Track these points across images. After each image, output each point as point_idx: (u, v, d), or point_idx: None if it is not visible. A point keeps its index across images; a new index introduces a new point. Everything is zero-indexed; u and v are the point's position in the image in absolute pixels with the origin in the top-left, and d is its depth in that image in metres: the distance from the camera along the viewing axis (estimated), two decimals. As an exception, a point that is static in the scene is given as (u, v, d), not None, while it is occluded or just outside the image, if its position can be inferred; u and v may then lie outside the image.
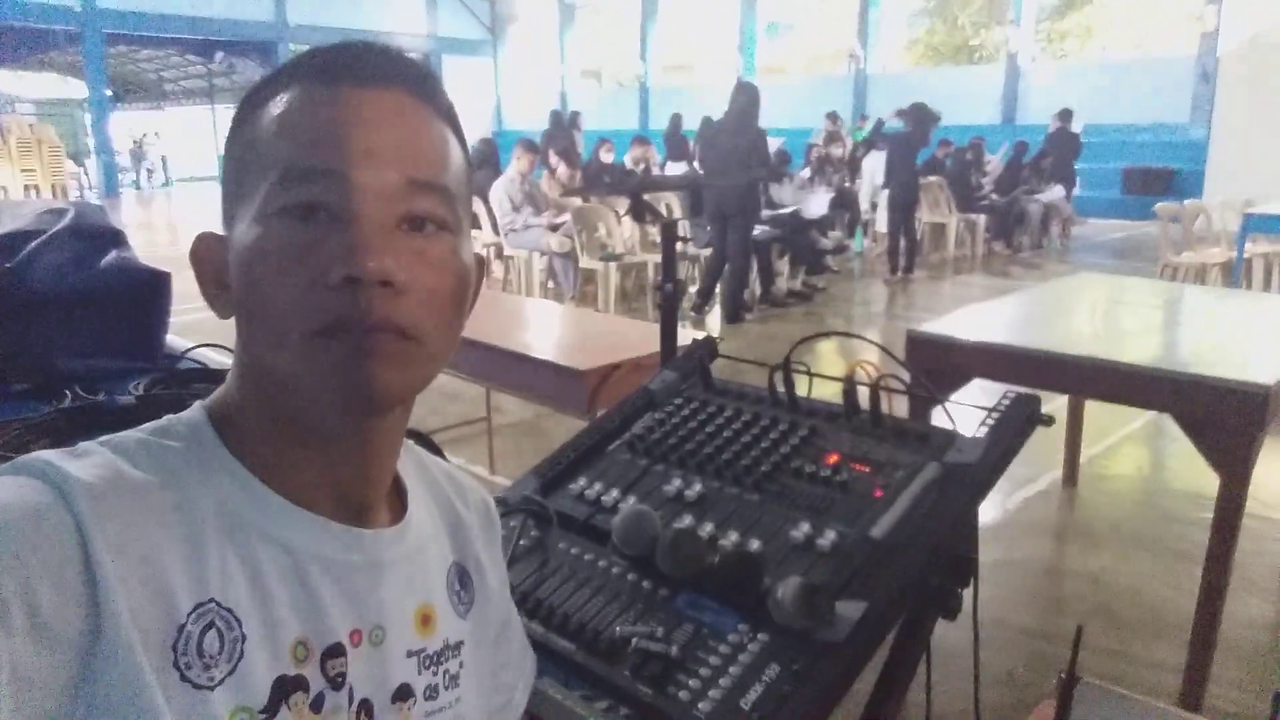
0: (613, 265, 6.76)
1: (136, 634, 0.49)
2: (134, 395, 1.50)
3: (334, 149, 0.54)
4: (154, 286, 1.78)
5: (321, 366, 0.54)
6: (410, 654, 0.65)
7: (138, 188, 23.31)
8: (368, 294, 0.53)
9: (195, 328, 2.19)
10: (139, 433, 0.58)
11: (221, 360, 1.67)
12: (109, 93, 19.07)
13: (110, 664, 0.48)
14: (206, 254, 0.60)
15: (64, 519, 0.49)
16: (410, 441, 0.75)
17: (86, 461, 0.53)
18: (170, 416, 0.60)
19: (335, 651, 0.59)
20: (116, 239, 1.81)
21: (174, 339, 1.84)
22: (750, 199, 6.64)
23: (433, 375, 0.60)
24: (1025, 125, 15.31)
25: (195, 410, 0.61)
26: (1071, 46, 23.95)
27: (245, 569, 0.55)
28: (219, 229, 0.61)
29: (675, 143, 10.54)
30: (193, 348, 1.72)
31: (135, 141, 24.12)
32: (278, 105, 0.57)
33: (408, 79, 0.58)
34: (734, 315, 6.74)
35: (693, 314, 6.87)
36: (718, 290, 6.88)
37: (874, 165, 9.54)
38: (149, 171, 24.22)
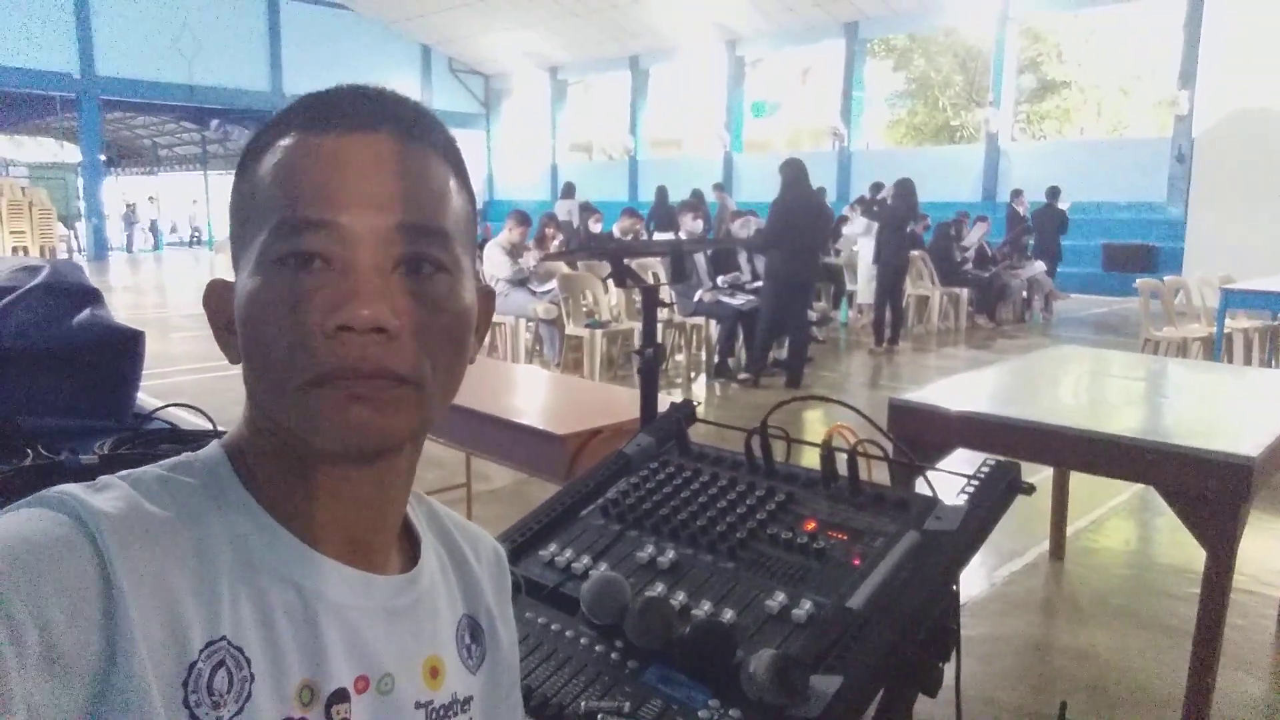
0: (599, 332, 6.77)
1: (150, 668, 0.48)
2: (97, 455, 1.46)
3: (326, 198, 0.55)
4: (126, 345, 1.75)
5: (319, 415, 0.54)
6: (419, 705, 0.63)
7: (128, 250, 23.39)
8: (362, 342, 0.53)
9: (176, 391, 2.16)
10: (158, 468, 0.58)
11: (193, 420, 1.63)
12: (103, 158, 19.26)
13: (123, 697, 0.48)
14: (217, 301, 0.61)
15: (86, 551, 0.49)
16: (422, 491, 0.74)
17: (108, 495, 0.53)
18: (188, 454, 0.60)
19: (340, 697, 0.57)
20: (92, 297, 1.79)
21: (145, 398, 1.80)
22: (803, 268, 6.93)
23: (436, 417, 0.60)
24: (1005, 203, 15.61)
25: (213, 447, 0.61)
26: (1050, 128, 24.66)
27: (256, 609, 0.55)
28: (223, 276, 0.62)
29: (662, 214, 10.70)
30: (161, 407, 1.68)
31: (127, 205, 24.28)
32: (273, 155, 0.57)
33: (401, 120, 0.58)
34: (795, 379, 6.92)
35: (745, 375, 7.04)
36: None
37: (861, 238, 9.63)
38: (142, 231, 24.35)
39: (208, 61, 19.18)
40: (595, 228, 9.25)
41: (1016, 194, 11.78)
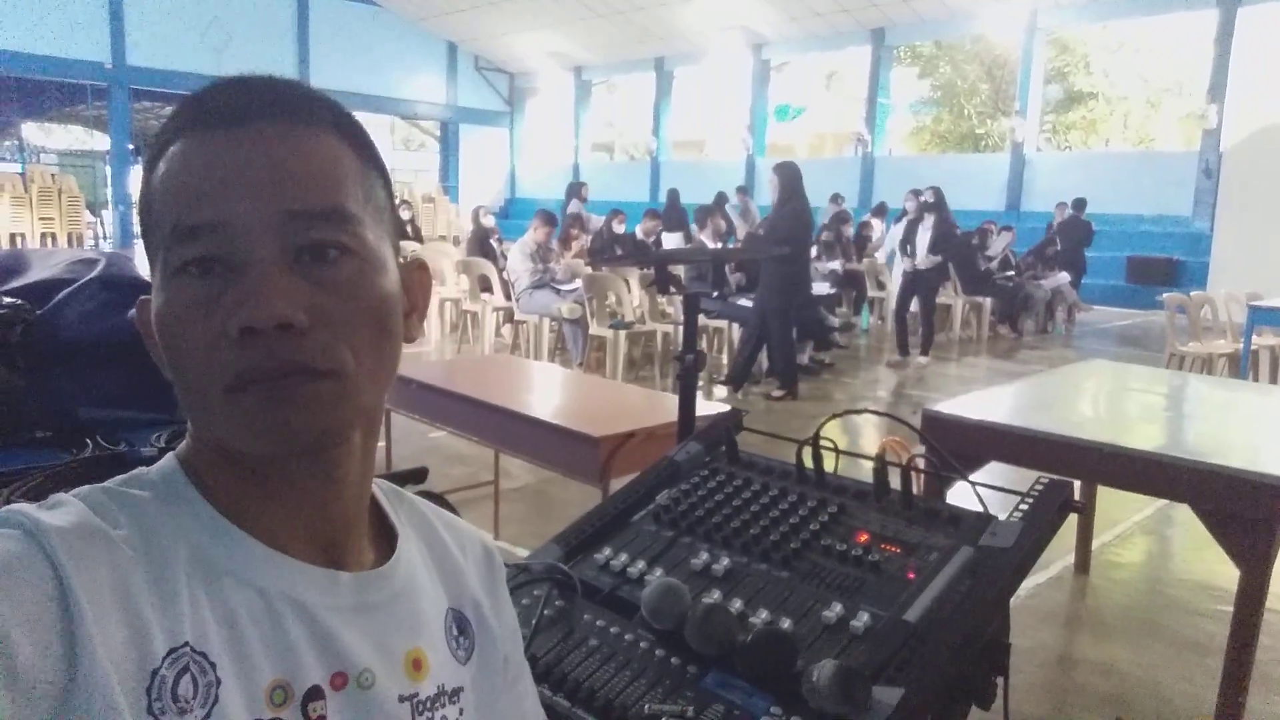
0: (622, 333, 6.79)
1: (114, 678, 0.48)
2: (156, 447, 1.50)
3: (211, 198, 0.54)
4: (179, 338, 1.78)
5: (242, 421, 0.54)
6: (403, 699, 0.63)
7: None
8: (269, 341, 0.53)
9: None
10: (110, 483, 0.58)
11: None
12: (131, 147, 19.42)
13: (86, 709, 0.47)
14: (144, 318, 0.60)
15: (41, 566, 0.48)
16: (403, 490, 0.75)
17: (60, 511, 0.53)
18: (141, 468, 0.60)
19: (315, 694, 0.57)
20: (146, 289, 1.82)
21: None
22: (800, 278, 6.76)
23: (368, 403, 0.59)
24: (1030, 212, 15.54)
25: (168, 459, 0.61)
26: (1075, 139, 24.51)
27: (218, 613, 0.55)
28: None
29: (673, 215, 10.71)
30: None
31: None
32: (164, 162, 0.57)
33: (282, 106, 0.57)
34: (740, 385, 6.77)
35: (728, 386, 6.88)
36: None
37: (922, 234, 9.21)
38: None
39: (236, 54, 19.29)
40: (619, 228, 9.29)
41: (1062, 206, 11.70)
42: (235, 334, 0.53)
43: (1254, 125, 12.28)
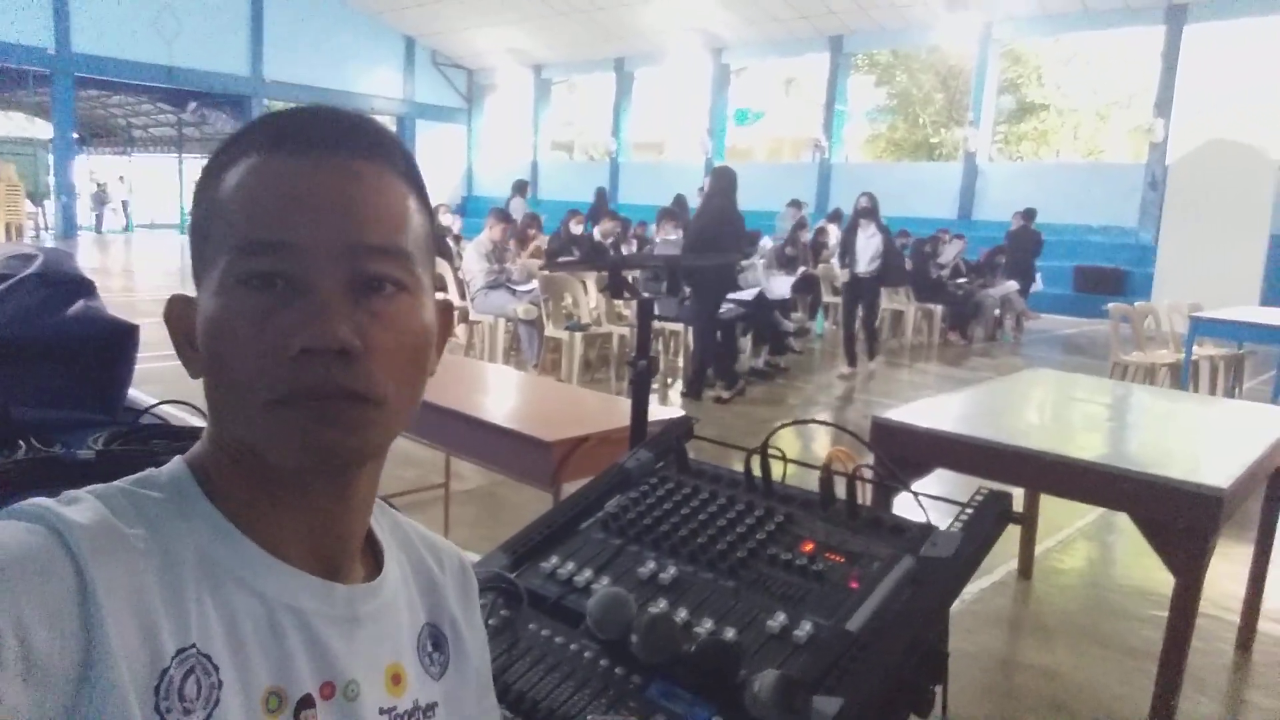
0: (578, 335, 6.78)
1: (126, 675, 0.50)
2: (93, 450, 1.46)
3: (287, 220, 0.56)
4: (121, 339, 1.74)
5: (282, 434, 0.56)
6: (383, 711, 0.64)
7: (98, 231, 23.02)
8: (325, 363, 0.55)
9: (156, 376, 2.14)
10: (123, 483, 0.59)
11: (185, 418, 1.63)
12: (75, 135, 18.94)
13: (98, 703, 0.49)
14: (177, 317, 0.62)
15: (63, 562, 0.50)
16: (385, 503, 0.75)
17: (78, 508, 0.54)
18: (151, 469, 0.61)
19: (307, 703, 0.59)
20: (85, 288, 1.77)
21: (136, 394, 1.79)
22: (726, 280, 6.76)
23: (396, 432, 0.62)
24: (981, 221, 15.84)
25: (176, 463, 0.62)
26: (1027, 149, 25.03)
27: (222, 616, 0.56)
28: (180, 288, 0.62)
29: (598, 214, 10.73)
30: (156, 404, 1.67)
31: (99, 185, 23.89)
32: (235, 174, 0.58)
33: (361, 143, 0.60)
34: (697, 391, 6.77)
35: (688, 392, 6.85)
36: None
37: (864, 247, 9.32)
38: (113, 212, 23.94)
39: (188, 44, 18.92)
40: (576, 229, 9.25)
41: (1030, 212, 11.81)
42: (294, 352, 0.55)
43: (1198, 139, 12.66)
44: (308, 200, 0.57)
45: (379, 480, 0.67)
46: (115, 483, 0.58)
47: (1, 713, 0.45)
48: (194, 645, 0.54)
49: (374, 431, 0.58)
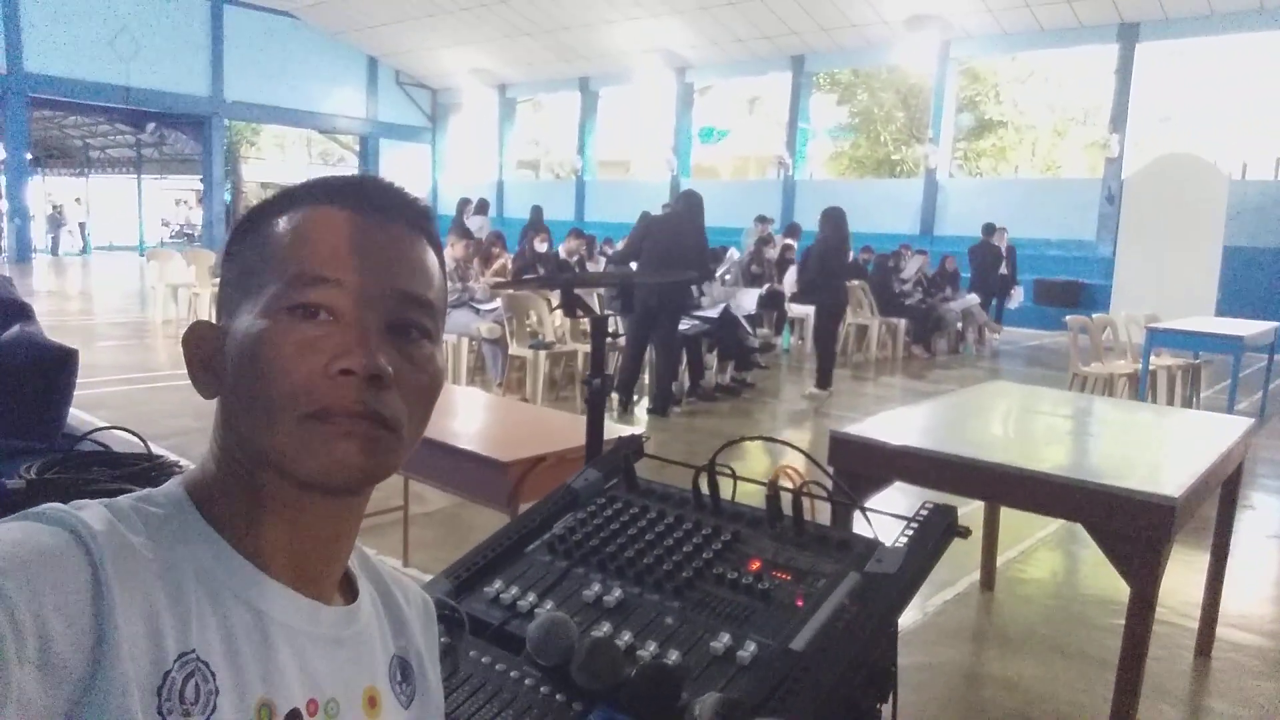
0: (542, 354, 6.74)
1: (132, 675, 0.52)
2: (24, 478, 1.41)
3: (342, 262, 0.63)
4: (59, 364, 1.69)
5: (311, 446, 0.60)
6: None
7: (54, 254, 22.62)
8: (359, 385, 0.61)
9: (102, 402, 2.09)
10: (128, 498, 0.62)
11: (130, 440, 1.58)
12: (29, 156, 18.62)
13: (104, 699, 0.51)
14: (199, 340, 0.67)
15: (81, 560, 0.53)
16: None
17: (89, 512, 0.57)
18: (150, 489, 0.64)
19: (295, 716, 0.61)
20: (21, 312, 1.73)
21: (83, 416, 1.74)
22: (684, 297, 6.77)
23: (399, 464, 0.66)
24: (942, 236, 16.05)
25: (173, 484, 0.65)
26: (986, 165, 25.44)
27: (219, 626, 0.59)
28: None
29: (535, 231, 10.73)
30: (93, 430, 1.63)
31: (55, 207, 23.49)
32: (292, 218, 0.66)
33: (407, 214, 0.69)
34: (664, 409, 6.77)
35: (618, 409, 6.86)
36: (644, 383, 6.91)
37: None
38: (69, 234, 23.54)
39: (146, 64, 18.70)
40: (541, 247, 9.23)
41: (990, 228, 12.02)
42: (335, 372, 0.61)
43: (1154, 153, 12.91)
44: (360, 247, 0.64)
45: (363, 513, 0.71)
46: (120, 497, 0.62)
47: (12, 698, 0.47)
48: (194, 651, 0.56)
49: (387, 456, 0.63)
